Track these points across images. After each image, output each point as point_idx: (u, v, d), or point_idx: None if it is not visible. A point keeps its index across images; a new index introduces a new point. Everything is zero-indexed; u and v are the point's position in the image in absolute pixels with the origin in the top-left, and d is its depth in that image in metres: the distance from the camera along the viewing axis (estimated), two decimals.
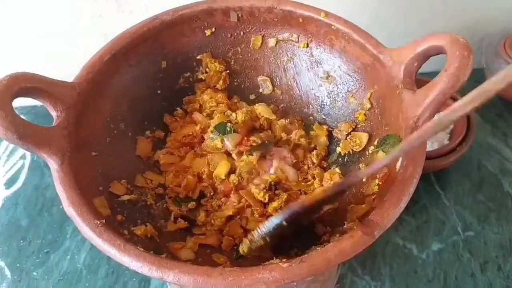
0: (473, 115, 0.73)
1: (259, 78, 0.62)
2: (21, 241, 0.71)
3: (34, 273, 0.67)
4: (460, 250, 0.67)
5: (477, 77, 0.84)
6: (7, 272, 0.67)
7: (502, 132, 0.80)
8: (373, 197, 0.45)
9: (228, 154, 0.56)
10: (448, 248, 0.67)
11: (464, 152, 0.70)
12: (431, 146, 0.73)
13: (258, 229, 0.45)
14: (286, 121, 0.58)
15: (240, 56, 0.61)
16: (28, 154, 0.83)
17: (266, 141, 0.56)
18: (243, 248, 0.46)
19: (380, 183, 0.46)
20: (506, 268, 0.65)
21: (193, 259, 0.47)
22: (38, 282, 0.66)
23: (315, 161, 0.56)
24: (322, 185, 0.53)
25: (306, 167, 0.56)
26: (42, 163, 0.81)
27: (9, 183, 0.79)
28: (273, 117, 0.59)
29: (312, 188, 0.54)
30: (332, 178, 0.53)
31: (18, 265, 0.68)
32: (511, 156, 0.77)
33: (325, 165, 0.57)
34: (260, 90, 0.62)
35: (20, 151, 0.83)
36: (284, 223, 0.43)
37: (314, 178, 0.54)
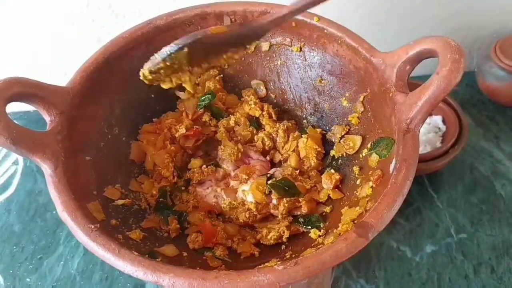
0: (465, 118, 0.74)
1: (253, 82, 0.62)
2: (14, 247, 0.70)
3: (28, 279, 0.67)
4: (453, 252, 0.67)
5: (468, 80, 0.86)
6: (0, 279, 0.67)
7: (494, 135, 0.81)
8: (367, 199, 0.45)
9: None
10: (441, 250, 0.68)
11: (456, 155, 0.71)
12: (424, 148, 0.74)
13: (159, 52, 0.43)
14: (284, 126, 0.59)
15: (234, 61, 0.61)
16: (20, 160, 0.82)
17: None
18: (144, 70, 0.43)
19: (374, 185, 0.46)
20: (499, 270, 0.65)
21: (177, 254, 0.47)
22: None
23: (312, 163, 0.56)
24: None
25: (305, 167, 0.56)
26: (34, 168, 0.80)
27: (1, 189, 0.78)
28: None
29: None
30: (332, 179, 0.53)
31: (11, 271, 0.68)
32: (503, 159, 0.78)
33: (320, 168, 0.57)
34: None
35: (13, 157, 0.83)
36: (186, 49, 0.42)
37: (310, 179, 0.55)
